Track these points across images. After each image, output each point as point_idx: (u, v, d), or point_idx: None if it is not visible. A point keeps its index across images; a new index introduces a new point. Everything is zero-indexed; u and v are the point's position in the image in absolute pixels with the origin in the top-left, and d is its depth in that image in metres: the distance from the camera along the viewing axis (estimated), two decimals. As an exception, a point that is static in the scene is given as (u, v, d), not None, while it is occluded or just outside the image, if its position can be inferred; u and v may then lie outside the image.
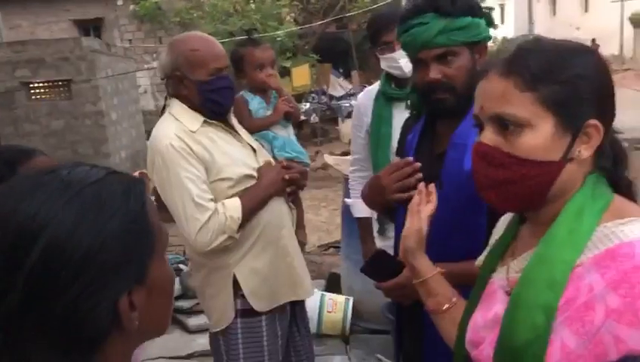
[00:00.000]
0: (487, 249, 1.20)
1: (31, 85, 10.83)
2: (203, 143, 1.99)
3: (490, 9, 1.63)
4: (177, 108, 2.06)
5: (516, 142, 0.94)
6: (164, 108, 2.14)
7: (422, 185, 1.42)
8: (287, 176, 2.13)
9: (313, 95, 16.39)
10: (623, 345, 0.81)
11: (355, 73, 17.33)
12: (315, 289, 3.70)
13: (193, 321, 3.86)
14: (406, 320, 1.76)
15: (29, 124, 10.84)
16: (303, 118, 13.59)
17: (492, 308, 1.05)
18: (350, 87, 17.14)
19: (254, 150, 2.17)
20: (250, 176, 2.06)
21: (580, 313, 0.87)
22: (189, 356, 3.61)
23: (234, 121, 2.21)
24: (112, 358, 0.69)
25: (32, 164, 1.90)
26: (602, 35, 23.55)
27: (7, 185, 0.69)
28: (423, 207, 1.36)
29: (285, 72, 13.62)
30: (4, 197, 0.67)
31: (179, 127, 1.99)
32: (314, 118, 14.70)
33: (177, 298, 4.06)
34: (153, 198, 0.91)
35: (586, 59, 0.96)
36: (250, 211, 2.02)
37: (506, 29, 27.20)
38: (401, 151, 1.87)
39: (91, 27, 16.90)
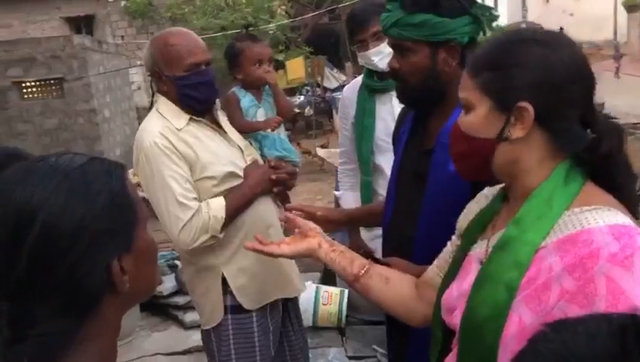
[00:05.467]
0: (466, 224, 1.24)
1: (23, 84, 10.80)
2: (188, 141, 1.97)
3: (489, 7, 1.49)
4: (163, 105, 2.05)
5: (464, 120, 1.08)
6: (151, 104, 2.13)
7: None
8: (273, 177, 2.11)
9: (307, 87, 16.33)
10: None
11: (348, 65, 17.28)
12: (310, 282, 3.71)
13: (189, 317, 3.86)
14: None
15: (22, 124, 10.82)
16: (297, 110, 13.50)
17: (466, 278, 1.11)
18: (344, 78, 17.08)
19: (241, 149, 2.15)
20: (236, 175, 2.04)
21: (538, 292, 0.93)
22: (186, 351, 3.61)
23: (222, 118, 2.20)
24: (107, 318, 0.79)
25: None
26: (596, 21, 23.51)
27: (5, 173, 0.78)
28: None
29: (279, 66, 13.56)
30: (3, 184, 0.76)
31: (164, 124, 1.98)
32: (308, 111, 14.68)
33: (173, 294, 4.06)
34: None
35: (531, 49, 1.00)
36: (235, 211, 2.00)
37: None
38: (395, 143, 1.84)
39: (83, 24, 16.84)
